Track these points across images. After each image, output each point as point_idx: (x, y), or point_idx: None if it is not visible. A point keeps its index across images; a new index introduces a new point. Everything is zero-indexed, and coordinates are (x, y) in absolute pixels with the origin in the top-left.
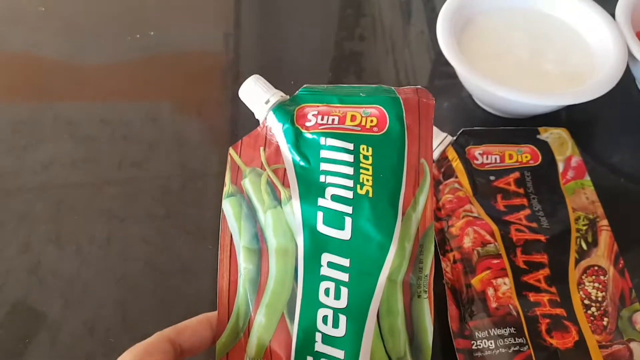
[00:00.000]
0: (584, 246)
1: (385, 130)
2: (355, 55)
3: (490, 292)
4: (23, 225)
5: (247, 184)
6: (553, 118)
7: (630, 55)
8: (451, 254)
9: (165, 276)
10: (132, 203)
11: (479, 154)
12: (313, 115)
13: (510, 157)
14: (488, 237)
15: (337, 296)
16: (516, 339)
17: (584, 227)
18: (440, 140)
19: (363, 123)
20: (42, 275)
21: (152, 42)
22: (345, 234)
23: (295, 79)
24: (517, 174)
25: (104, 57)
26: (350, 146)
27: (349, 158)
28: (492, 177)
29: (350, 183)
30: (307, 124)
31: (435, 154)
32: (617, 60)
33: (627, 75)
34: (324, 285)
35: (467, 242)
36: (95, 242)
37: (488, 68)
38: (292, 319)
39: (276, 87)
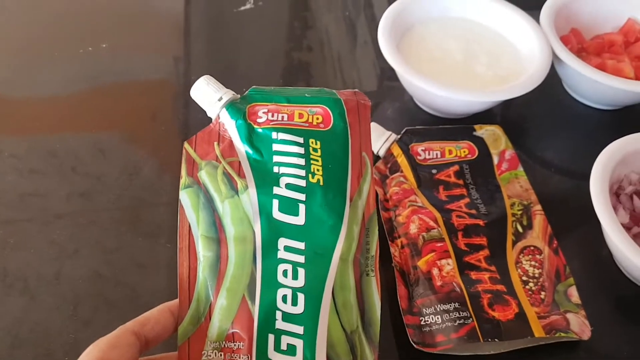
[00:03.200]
0: (520, 229)
1: (330, 126)
2: (304, 64)
3: (435, 272)
4: None
5: (203, 175)
6: (488, 117)
7: (556, 57)
8: (399, 240)
9: (121, 311)
10: (82, 236)
11: (422, 150)
12: (263, 112)
13: (450, 152)
14: (432, 224)
15: (295, 276)
16: (461, 312)
17: (519, 212)
18: (385, 138)
19: (310, 120)
20: None
21: (99, 71)
22: (299, 220)
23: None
24: (456, 167)
25: (50, 89)
26: (300, 140)
27: (300, 150)
28: (434, 171)
29: (302, 173)
30: (259, 120)
31: (382, 151)
32: (542, 62)
33: (555, 76)
34: (282, 267)
35: (413, 229)
36: (44, 278)
37: (426, 71)
38: (252, 300)
39: None
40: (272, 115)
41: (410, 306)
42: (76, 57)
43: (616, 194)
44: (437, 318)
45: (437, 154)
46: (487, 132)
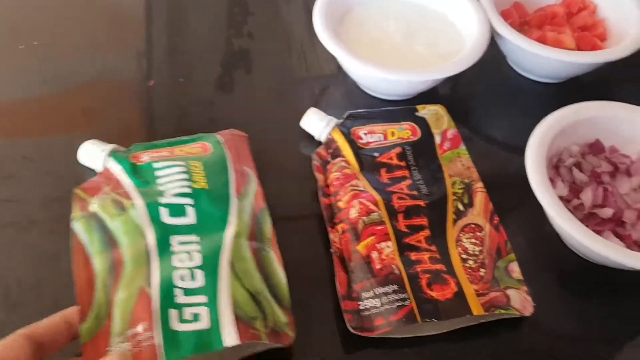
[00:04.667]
0: (461, 207)
1: (209, 153)
2: (244, 52)
3: (374, 255)
4: None
5: (94, 206)
6: (434, 97)
7: (496, 32)
8: (339, 226)
9: None
10: (61, 240)
11: (364, 133)
12: (146, 156)
13: (393, 134)
14: (372, 207)
15: (191, 259)
16: (399, 294)
17: (460, 191)
18: (325, 123)
19: (189, 151)
20: None
21: (68, 72)
22: (190, 219)
23: (187, 75)
24: (399, 149)
25: (19, 92)
26: (182, 162)
27: (182, 169)
28: (376, 154)
29: (187, 183)
30: (141, 159)
31: (323, 137)
32: (480, 38)
33: (500, 52)
34: (177, 257)
35: (353, 213)
36: (25, 285)
37: (366, 53)
38: (149, 287)
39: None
40: (153, 155)
41: (349, 292)
42: (42, 59)
43: (556, 166)
44: (376, 302)
45: (379, 137)
46: (430, 112)
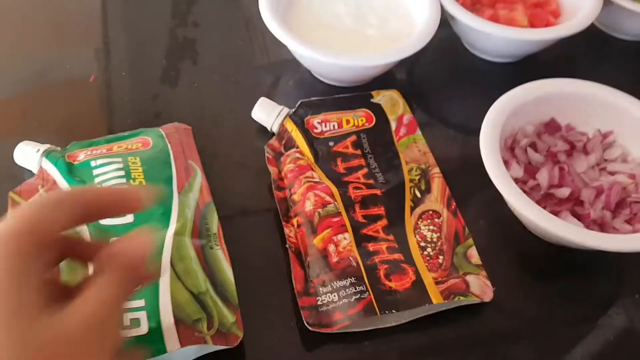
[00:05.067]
0: (418, 194)
1: (150, 146)
2: (190, 42)
3: (331, 248)
4: None
5: None
6: (390, 82)
7: (448, 13)
8: (294, 220)
9: None
10: None
11: (318, 122)
12: (83, 154)
13: (348, 122)
14: (328, 199)
15: None
16: (357, 287)
17: (417, 177)
18: (277, 113)
19: (129, 147)
20: None
21: (27, 74)
22: (128, 219)
23: (129, 69)
24: (354, 137)
25: None
26: (119, 159)
27: (119, 166)
28: (331, 143)
29: (124, 180)
30: (78, 158)
31: (275, 127)
32: (430, 19)
33: (453, 33)
34: None
35: (308, 206)
36: None
37: (315, 39)
38: None
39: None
40: (90, 153)
41: (306, 287)
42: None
43: (511, 148)
44: (334, 296)
45: (334, 126)
46: (385, 97)
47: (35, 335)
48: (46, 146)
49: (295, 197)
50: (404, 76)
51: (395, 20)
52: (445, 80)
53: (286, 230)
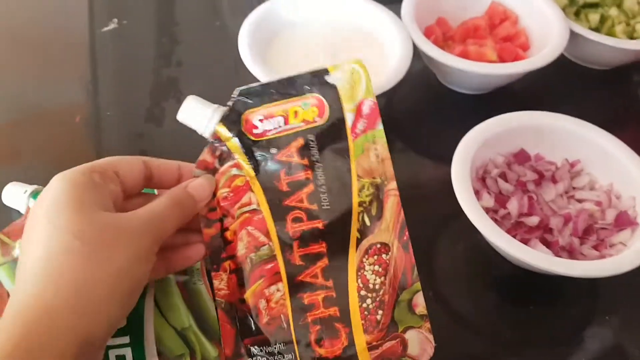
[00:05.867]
0: (367, 221)
1: None
2: (173, 81)
3: (262, 304)
4: None
5: (17, 252)
6: None
7: (422, 52)
8: (227, 263)
9: None
10: None
11: (259, 120)
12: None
13: (296, 114)
14: (262, 238)
15: None
16: (285, 355)
17: (368, 198)
18: (208, 116)
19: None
20: None
21: (8, 102)
22: None
23: (114, 109)
24: (301, 141)
25: None
26: None
27: None
28: (274, 151)
29: None
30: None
31: (208, 133)
32: (403, 56)
33: (427, 67)
34: None
35: (240, 249)
36: None
37: None
38: None
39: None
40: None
41: (236, 348)
42: None
43: (482, 178)
44: None
45: (278, 122)
46: (344, 73)
47: (97, 221)
48: (33, 187)
49: (228, 234)
50: (380, 110)
51: (370, 57)
52: (420, 112)
53: (215, 283)
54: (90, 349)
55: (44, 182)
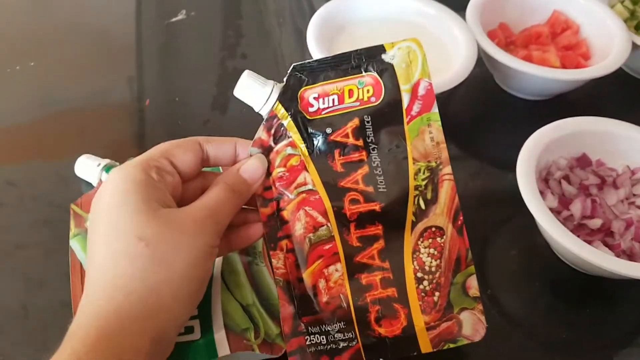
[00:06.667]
0: (423, 205)
1: None
2: (238, 72)
3: (321, 284)
4: None
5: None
6: None
7: (483, 52)
8: (283, 242)
9: None
10: (47, 266)
11: (314, 98)
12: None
13: (351, 94)
14: (320, 219)
15: None
16: (345, 334)
17: (424, 182)
18: (266, 93)
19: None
20: None
21: (54, 98)
22: None
23: (182, 95)
24: (356, 122)
25: (6, 118)
26: None
27: None
28: (328, 130)
29: None
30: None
31: (265, 111)
32: (467, 57)
33: (488, 71)
34: None
35: (298, 229)
36: (11, 311)
37: None
38: None
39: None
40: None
41: (294, 326)
42: (32, 83)
43: (545, 179)
44: (322, 339)
45: (333, 100)
46: (401, 51)
47: (156, 221)
48: (106, 161)
49: (285, 213)
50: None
51: (433, 57)
52: (478, 116)
53: (274, 262)
54: (161, 346)
55: (114, 158)
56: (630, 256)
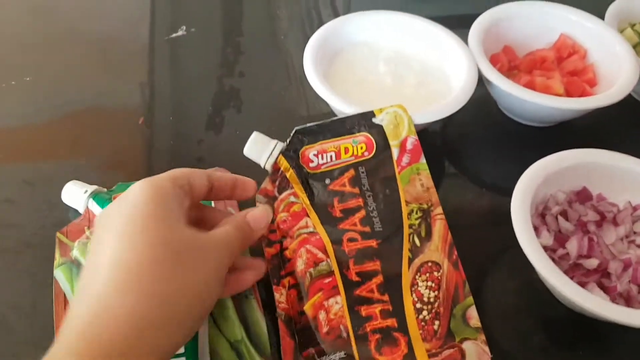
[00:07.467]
0: (417, 242)
1: None
2: (235, 91)
3: (322, 316)
4: None
5: (75, 253)
6: (425, 138)
7: (485, 78)
8: (286, 280)
9: None
10: None
11: (314, 155)
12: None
13: (346, 150)
14: (320, 255)
15: None
16: None
17: (417, 221)
18: (270, 149)
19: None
20: None
21: (70, 99)
22: None
23: (177, 114)
24: (352, 172)
25: (20, 118)
26: None
27: None
28: (327, 181)
29: None
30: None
31: (269, 165)
32: (468, 82)
33: (489, 95)
34: None
35: (300, 265)
36: (20, 310)
37: (355, 95)
38: None
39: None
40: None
41: (295, 359)
42: (45, 85)
43: (542, 214)
44: None
45: (331, 157)
46: (388, 115)
47: (181, 234)
48: (93, 187)
49: (288, 252)
50: (438, 134)
51: (433, 81)
52: (478, 140)
53: (276, 295)
54: None
55: (99, 182)
56: (627, 299)
